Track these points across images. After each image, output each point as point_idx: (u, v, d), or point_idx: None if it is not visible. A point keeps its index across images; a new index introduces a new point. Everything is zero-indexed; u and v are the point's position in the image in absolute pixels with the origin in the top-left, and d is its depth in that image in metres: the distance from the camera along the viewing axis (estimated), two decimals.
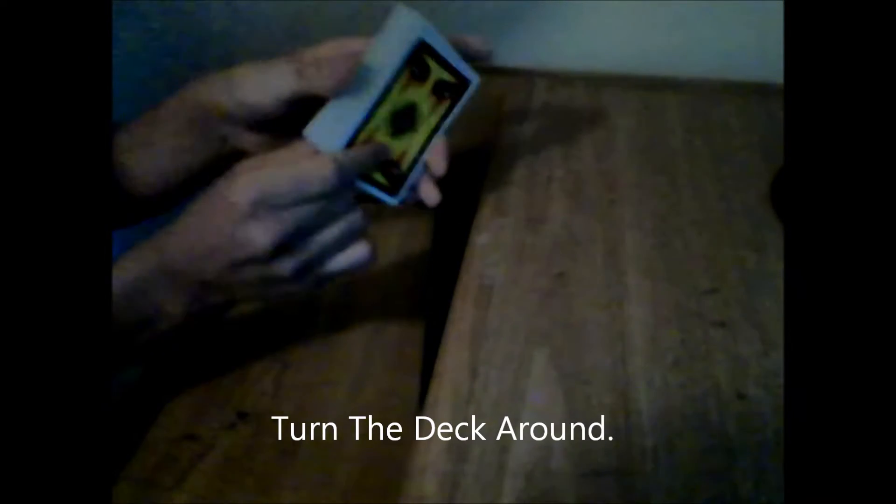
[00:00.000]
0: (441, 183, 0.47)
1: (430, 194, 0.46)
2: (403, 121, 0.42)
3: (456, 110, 0.45)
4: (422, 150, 0.45)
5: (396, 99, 0.41)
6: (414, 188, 0.46)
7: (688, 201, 0.54)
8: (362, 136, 0.40)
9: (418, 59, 0.41)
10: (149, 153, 0.46)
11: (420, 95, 0.42)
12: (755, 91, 0.67)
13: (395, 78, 0.40)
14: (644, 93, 0.68)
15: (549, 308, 0.45)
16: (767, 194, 0.54)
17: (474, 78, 0.44)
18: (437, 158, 0.45)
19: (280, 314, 0.60)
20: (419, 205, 0.46)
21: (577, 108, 0.66)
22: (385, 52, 0.40)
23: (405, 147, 0.43)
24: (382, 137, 0.42)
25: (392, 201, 0.45)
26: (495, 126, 0.65)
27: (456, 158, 0.75)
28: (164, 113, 0.46)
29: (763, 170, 0.57)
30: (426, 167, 0.46)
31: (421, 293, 0.63)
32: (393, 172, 0.43)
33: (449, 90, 0.43)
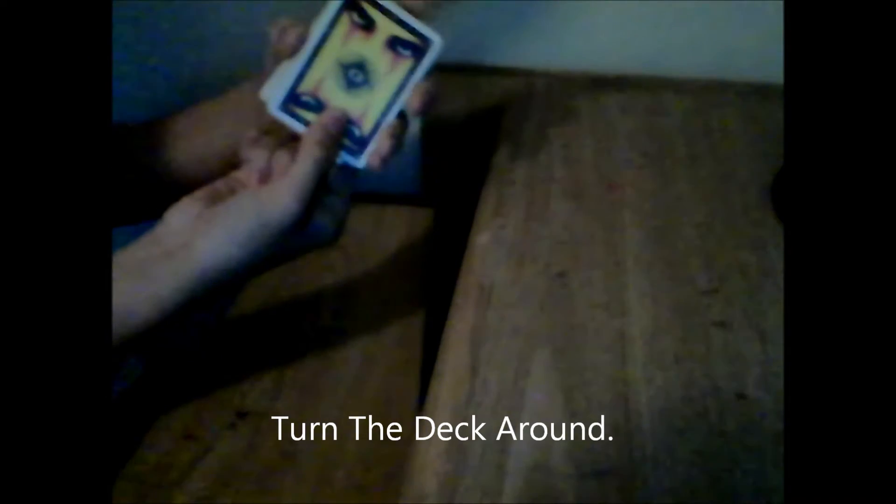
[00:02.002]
0: (441, 182, 0.46)
1: (381, 147, 0.43)
2: (355, 75, 0.42)
3: (419, 71, 0.42)
4: (386, 112, 0.43)
5: (341, 49, 0.41)
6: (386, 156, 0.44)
7: (688, 201, 0.54)
8: (306, 85, 0.42)
9: (358, 8, 0.41)
10: (198, 143, 0.47)
11: (370, 49, 0.42)
12: (755, 91, 0.67)
13: (331, 24, 0.41)
14: (644, 93, 0.68)
15: (549, 308, 0.45)
16: (767, 194, 0.54)
17: (435, 38, 0.42)
18: (414, 97, 0.43)
19: (280, 314, 0.60)
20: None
21: (577, 108, 0.66)
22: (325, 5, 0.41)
23: (364, 105, 0.42)
24: (333, 91, 0.42)
25: (355, 163, 0.43)
26: (495, 126, 0.65)
27: (456, 158, 0.75)
28: (214, 107, 0.48)
29: (763, 170, 0.57)
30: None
31: (421, 293, 0.63)
32: (354, 133, 0.43)
33: (408, 48, 0.42)
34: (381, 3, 0.41)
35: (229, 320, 0.59)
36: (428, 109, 0.42)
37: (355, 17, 0.41)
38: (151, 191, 0.49)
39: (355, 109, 0.42)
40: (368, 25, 0.41)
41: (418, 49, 0.42)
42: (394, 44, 0.41)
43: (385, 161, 0.43)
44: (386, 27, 0.41)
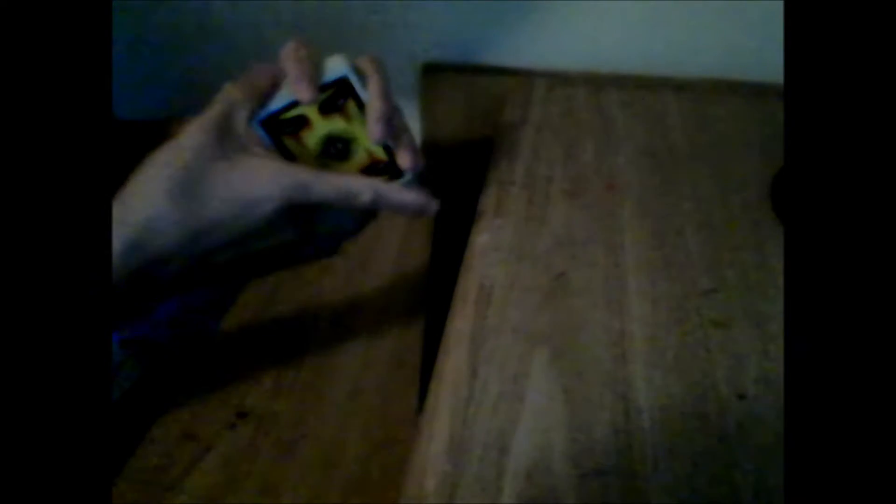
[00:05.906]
0: (441, 183, 0.46)
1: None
2: (336, 148, 0.44)
3: (360, 95, 0.43)
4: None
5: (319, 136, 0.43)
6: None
7: (688, 201, 0.54)
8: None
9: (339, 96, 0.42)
10: None
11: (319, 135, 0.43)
12: (755, 91, 0.67)
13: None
14: (644, 93, 0.68)
15: (549, 308, 0.45)
16: (767, 194, 0.54)
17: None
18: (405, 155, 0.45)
19: (281, 314, 0.60)
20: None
21: (577, 108, 0.66)
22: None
23: (366, 150, 0.44)
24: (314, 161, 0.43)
25: (407, 177, 0.46)
26: (495, 126, 0.65)
27: (456, 158, 0.75)
28: None
29: (763, 170, 0.57)
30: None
31: (421, 293, 0.63)
32: (381, 167, 0.45)
33: (344, 97, 0.43)
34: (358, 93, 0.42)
35: (230, 319, 0.59)
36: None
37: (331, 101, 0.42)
38: None
39: (365, 158, 0.44)
40: (298, 128, 0.42)
41: (344, 89, 0.42)
42: (329, 105, 0.42)
43: (417, 158, 0.45)
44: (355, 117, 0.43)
